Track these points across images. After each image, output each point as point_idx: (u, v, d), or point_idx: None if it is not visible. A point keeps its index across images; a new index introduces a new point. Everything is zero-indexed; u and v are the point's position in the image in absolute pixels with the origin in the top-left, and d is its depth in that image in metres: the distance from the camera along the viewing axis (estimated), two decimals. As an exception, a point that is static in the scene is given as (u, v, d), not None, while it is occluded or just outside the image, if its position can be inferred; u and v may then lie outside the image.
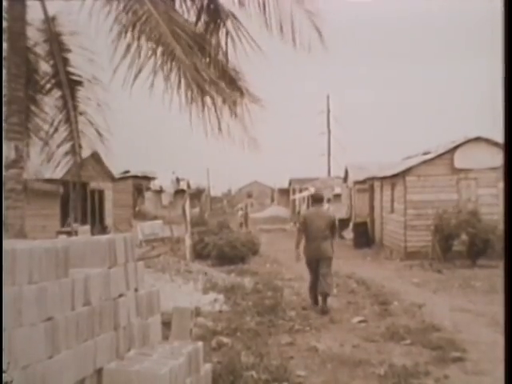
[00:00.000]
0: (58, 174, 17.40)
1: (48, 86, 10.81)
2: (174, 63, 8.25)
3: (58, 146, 10.88)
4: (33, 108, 10.93)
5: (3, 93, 8.60)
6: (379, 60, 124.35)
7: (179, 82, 8.37)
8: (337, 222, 12.97)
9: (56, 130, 10.83)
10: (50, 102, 10.94)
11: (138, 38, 8.25)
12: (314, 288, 11.25)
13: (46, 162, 11.21)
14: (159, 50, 8.27)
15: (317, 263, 11.14)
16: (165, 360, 4.74)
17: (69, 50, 10.68)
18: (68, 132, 10.80)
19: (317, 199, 12.50)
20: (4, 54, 8.64)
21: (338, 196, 38.17)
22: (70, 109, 10.66)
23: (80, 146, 10.86)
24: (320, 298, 11.03)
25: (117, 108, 10.82)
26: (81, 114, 10.89)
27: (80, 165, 11.13)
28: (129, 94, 8.10)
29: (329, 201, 31.87)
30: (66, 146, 10.89)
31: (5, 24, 8.70)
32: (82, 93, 10.87)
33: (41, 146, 11.06)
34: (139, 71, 8.23)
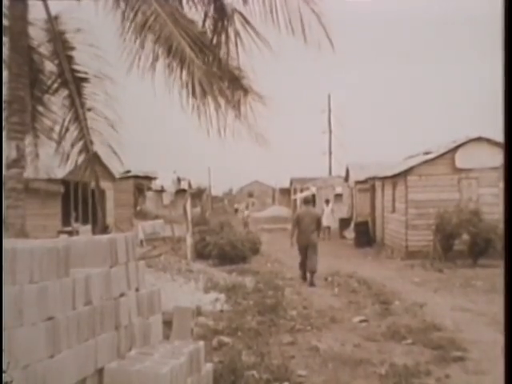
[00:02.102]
0: (64, 172, 17.45)
1: (55, 85, 10.83)
2: (182, 62, 8.27)
3: (72, 146, 10.89)
4: (40, 108, 10.94)
5: (4, 92, 8.62)
6: (380, 60, 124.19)
7: (183, 81, 8.41)
8: (322, 219, 16.74)
9: (67, 129, 10.84)
10: (57, 102, 10.96)
11: (147, 39, 8.30)
12: (303, 267, 14.84)
13: (63, 162, 11.22)
14: (168, 50, 8.30)
15: (306, 249, 14.64)
16: (166, 359, 4.74)
17: (73, 48, 10.69)
18: (78, 130, 10.81)
19: (306, 201, 16.83)
20: (5, 53, 8.65)
21: (339, 195, 38.15)
22: (77, 106, 10.67)
23: (91, 142, 10.86)
24: (308, 275, 14.51)
25: (117, 108, 10.84)
26: (89, 110, 10.90)
27: (93, 162, 11.09)
28: (129, 95, 8.14)
29: (327, 202, 31.83)
30: (79, 145, 10.90)
31: (6, 23, 8.71)
32: (88, 89, 10.89)
33: (54, 147, 11.08)
34: (152, 69, 8.29)
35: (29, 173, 10.77)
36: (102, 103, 10.87)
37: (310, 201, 17.31)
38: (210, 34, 9.46)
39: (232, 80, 9.74)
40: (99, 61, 10.59)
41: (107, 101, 10.76)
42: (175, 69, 8.45)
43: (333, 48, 8.66)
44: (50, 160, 11.67)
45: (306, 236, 14.62)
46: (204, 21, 9.55)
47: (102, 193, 24.84)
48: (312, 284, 14.20)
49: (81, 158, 11.03)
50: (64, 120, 10.86)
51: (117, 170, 21.95)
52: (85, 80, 10.83)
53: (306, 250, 14.64)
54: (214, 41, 9.38)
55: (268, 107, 9.75)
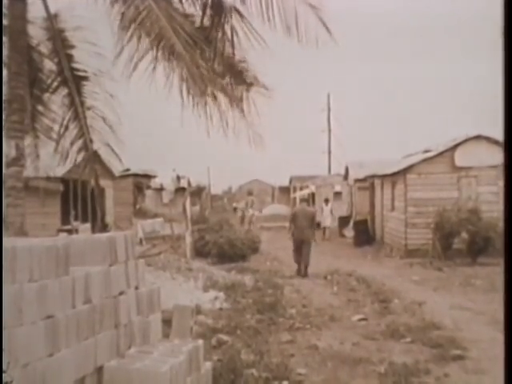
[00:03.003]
0: (64, 171, 17.47)
1: (54, 84, 10.80)
2: (174, 59, 8.28)
3: (72, 144, 10.87)
4: (39, 108, 10.92)
5: (4, 92, 8.61)
6: (380, 59, 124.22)
7: (180, 78, 8.41)
8: (316, 217, 18.11)
9: (66, 128, 10.82)
10: (57, 101, 10.94)
11: (139, 33, 8.29)
12: (298, 260, 16.17)
13: (62, 161, 11.21)
14: (159, 45, 8.30)
15: (301, 243, 16.10)
16: (165, 358, 4.74)
17: (72, 46, 10.66)
18: (78, 129, 10.78)
19: (303, 200, 20.87)
20: (4, 52, 8.64)
21: (338, 194, 38.16)
22: (77, 105, 10.64)
23: (91, 141, 10.84)
24: (302, 267, 15.90)
25: (117, 106, 10.82)
26: (89, 108, 10.87)
27: (93, 160, 11.06)
28: (129, 93, 8.14)
29: (327, 201, 31.81)
30: (79, 143, 10.88)
31: (5, 22, 8.70)
32: (88, 88, 10.86)
33: (53, 146, 11.05)
34: (136, 64, 8.29)
35: (29, 172, 10.78)
36: (101, 102, 10.86)
37: (306, 199, 22.05)
38: (207, 30, 9.46)
39: (235, 74, 9.73)
40: (99, 59, 10.58)
41: (107, 99, 10.75)
42: (170, 66, 8.46)
43: (334, 41, 8.64)
44: (50, 159, 11.66)
45: (301, 231, 16.19)
46: (202, 17, 9.55)
47: (102, 191, 24.85)
48: (305, 275, 15.76)
49: (80, 157, 11.01)
50: (63, 119, 10.85)
51: (116, 168, 21.92)
52: (84, 78, 10.81)
53: (301, 245, 16.13)
54: (212, 36, 9.38)
55: (270, 103, 9.75)
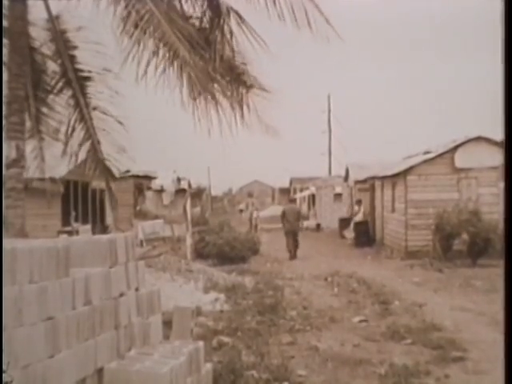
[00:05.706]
0: (65, 172, 17.45)
1: (58, 85, 10.75)
2: (177, 62, 8.27)
3: (80, 146, 10.84)
4: (44, 110, 10.88)
5: (4, 93, 8.60)
6: (380, 59, 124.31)
7: (182, 80, 8.41)
8: (301, 214, 24.64)
9: (73, 129, 10.78)
10: (61, 102, 10.90)
11: (141, 38, 8.28)
12: (289, 246, 21.39)
13: (71, 163, 11.20)
14: (162, 49, 8.30)
15: (291, 233, 21.45)
16: (165, 359, 4.74)
17: (75, 47, 10.62)
18: (85, 130, 10.73)
19: (291, 200, 27.92)
20: (5, 53, 8.63)
21: (338, 195, 38.16)
22: (82, 106, 10.60)
23: (98, 142, 10.81)
24: (292, 251, 21.13)
25: (118, 107, 10.79)
26: (94, 109, 10.82)
27: (102, 161, 11.01)
28: (131, 95, 8.13)
29: (359, 203, 29.96)
30: (87, 145, 10.83)
31: (5, 23, 8.69)
32: (92, 88, 10.79)
33: (60, 149, 11.02)
34: (145, 71, 8.28)
35: (33, 174, 10.78)
36: (106, 101, 10.81)
37: (293, 200, 29.67)
38: (207, 32, 9.44)
39: (235, 76, 9.72)
40: (101, 58, 10.56)
41: (112, 97, 10.69)
42: (172, 68, 8.45)
43: (342, 40, 8.57)
44: (56, 162, 11.64)
45: (291, 224, 21.58)
46: (201, 19, 9.54)
47: (101, 193, 24.77)
48: (294, 257, 20.79)
49: (89, 158, 10.97)
50: (70, 120, 10.80)
51: (117, 169, 21.85)
52: (88, 79, 10.77)
53: (291, 234, 21.39)
54: (211, 39, 9.36)
55: (270, 105, 9.73)
